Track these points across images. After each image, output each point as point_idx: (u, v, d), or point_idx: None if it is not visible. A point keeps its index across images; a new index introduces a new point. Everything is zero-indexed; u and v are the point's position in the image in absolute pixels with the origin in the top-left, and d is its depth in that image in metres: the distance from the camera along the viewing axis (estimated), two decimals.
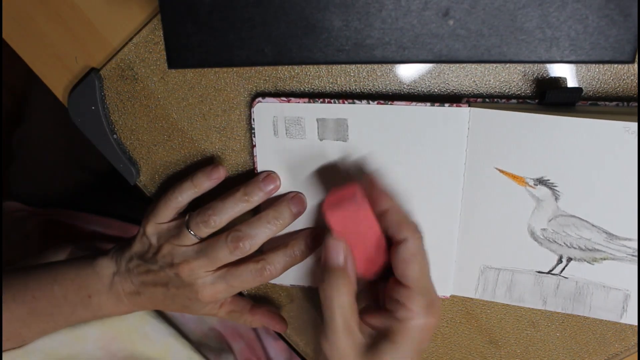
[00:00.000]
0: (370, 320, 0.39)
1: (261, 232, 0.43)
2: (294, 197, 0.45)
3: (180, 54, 0.38)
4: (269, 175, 0.44)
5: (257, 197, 0.43)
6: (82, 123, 0.47)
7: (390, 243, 0.39)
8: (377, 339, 0.38)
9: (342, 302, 0.37)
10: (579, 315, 0.48)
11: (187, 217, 0.44)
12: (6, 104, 0.82)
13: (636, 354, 0.48)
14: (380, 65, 0.43)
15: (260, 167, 0.45)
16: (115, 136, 0.47)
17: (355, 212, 0.38)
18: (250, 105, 0.43)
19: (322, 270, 0.39)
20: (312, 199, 0.45)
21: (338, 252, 0.38)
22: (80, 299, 0.46)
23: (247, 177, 0.46)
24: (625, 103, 0.41)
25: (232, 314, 0.49)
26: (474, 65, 0.42)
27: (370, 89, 0.43)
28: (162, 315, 0.54)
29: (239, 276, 0.44)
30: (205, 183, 0.44)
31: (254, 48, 0.37)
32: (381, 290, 0.41)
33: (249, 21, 0.36)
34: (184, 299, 0.45)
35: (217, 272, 0.44)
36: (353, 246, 0.39)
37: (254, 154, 0.44)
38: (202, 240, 0.44)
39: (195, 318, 0.57)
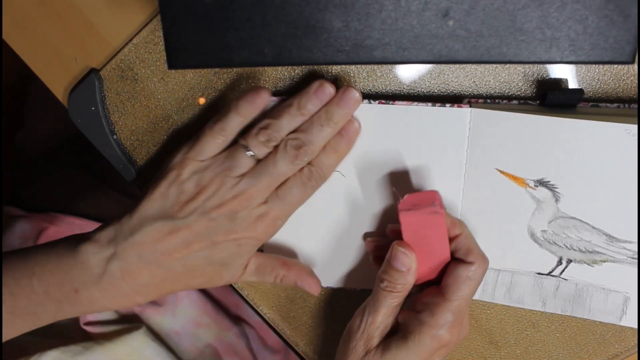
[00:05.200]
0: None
1: (318, 136, 0.40)
2: (343, 90, 0.40)
3: (180, 54, 0.38)
4: (322, 85, 0.40)
5: (314, 109, 0.40)
6: (82, 123, 0.47)
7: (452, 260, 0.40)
8: (391, 334, 0.40)
9: (390, 303, 0.40)
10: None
11: (242, 141, 0.40)
12: (6, 105, 0.82)
13: (636, 354, 0.48)
14: (380, 66, 0.43)
15: None
16: (115, 136, 0.47)
17: (429, 218, 0.38)
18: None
19: (385, 266, 0.40)
20: (312, 203, 0.45)
21: (404, 262, 0.39)
22: (64, 295, 0.40)
23: None
24: (627, 105, 0.41)
25: (262, 270, 0.43)
26: (473, 66, 0.42)
27: (370, 90, 0.43)
28: (159, 338, 0.54)
29: (290, 189, 0.40)
30: (251, 112, 0.40)
31: (254, 48, 0.37)
32: (414, 292, 0.42)
33: (249, 21, 0.36)
34: (228, 252, 0.40)
35: (269, 197, 0.40)
36: (417, 251, 0.39)
37: None
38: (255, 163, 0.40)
39: (190, 336, 0.57)
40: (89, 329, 0.55)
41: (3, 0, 0.45)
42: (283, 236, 0.46)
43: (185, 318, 0.59)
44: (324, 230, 0.45)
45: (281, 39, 0.36)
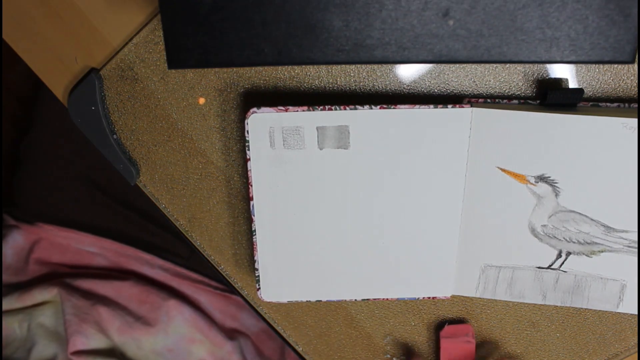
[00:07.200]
0: None
1: None
2: None
3: (180, 54, 0.38)
4: None
5: None
6: (82, 123, 0.47)
7: None
8: None
9: None
10: (579, 316, 0.48)
11: None
12: (12, 110, 0.82)
13: (636, 354, 0.48)
14: (380, 66, 0.43)
15: (255, 181, 0.43)
16: (115, 136, 0.47)
17: (464, 346, 0.48)
18: (244, 116, 0.42)
19: None
20: (310, 212, 0.45)
21: None
22: None
23: (245, 178, 0.46)
24: (627, 104, 0.42)
25: None
26: (474, 65, 0.42)
27: (370, 89, 0.43)
28: None
29: None
30: None
31: (254, 48, 0.37)
32: None
33: (249, 21, 0.36)
34: None
35: None
36: None
37: (248, 168, 0.43)
38: None
39: (182, 353, 0.57)
40: (76, 359, 0.55)
41: (3, 0, 0.45)
42: (282, 247, 0.46)
43: (178, 335, 0.59)
44: (325, 238, 0.45)
45: (281, 39, 0.36)
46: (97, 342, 0.56)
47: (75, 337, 0.55)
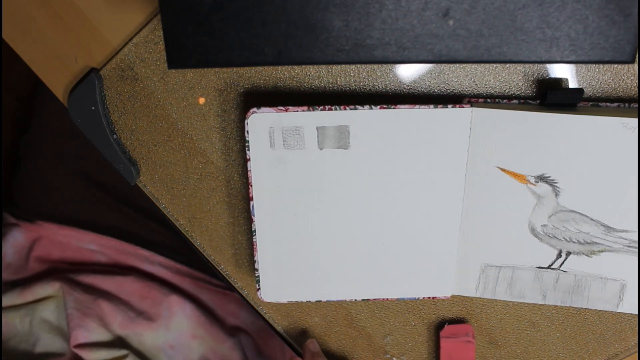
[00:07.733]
0: None
1: None
2: None
3: (180, 54, 0.38)
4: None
5: None
6: (82, 123, 0.47)
7: None
8: None
9: None
10: (579, 316, 0.48)
11: None
12: (12, 110, 0.82)
13: (636, 354, 0.48)
14: (380, 66, 0.43)
15: (255, 181, 0.43)
16: (115, 136, 0.47)
17: (463, 345, 0.49)
18: (244, 116, 0.42)
19: None
20: (310, 212, 0.44)
21: None
22: None
23: (245, 178, 0.46)
24: (627, 104, 0.42)
25: None
26: (474, 65, 0.42)
27: (370, 89, 0.43)
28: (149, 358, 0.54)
29: None
30: None
31: (254, 48, 0.37)
32: None
33: (249, 21, 0.36)
34: None
35: None
36: None
37: (248, 168, 0.43)
38: None
39: (184, 349, 0.57)
40: (79, 351, 0.55)
41: (3, 0, 0.45)
42: (282, 247, 0.46)
43: (179, 331, 0.59)
44: (325, 238, 0.45)
45: (281, 38, 0.36)
46: (99, 335, 0.56)
47: (77, 331, 0.55)
